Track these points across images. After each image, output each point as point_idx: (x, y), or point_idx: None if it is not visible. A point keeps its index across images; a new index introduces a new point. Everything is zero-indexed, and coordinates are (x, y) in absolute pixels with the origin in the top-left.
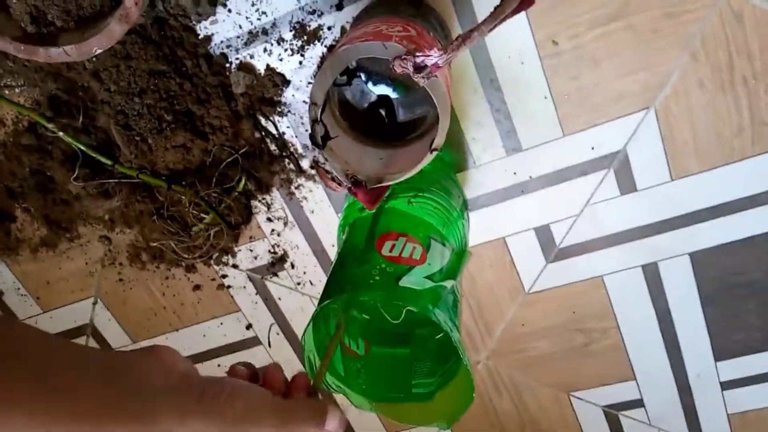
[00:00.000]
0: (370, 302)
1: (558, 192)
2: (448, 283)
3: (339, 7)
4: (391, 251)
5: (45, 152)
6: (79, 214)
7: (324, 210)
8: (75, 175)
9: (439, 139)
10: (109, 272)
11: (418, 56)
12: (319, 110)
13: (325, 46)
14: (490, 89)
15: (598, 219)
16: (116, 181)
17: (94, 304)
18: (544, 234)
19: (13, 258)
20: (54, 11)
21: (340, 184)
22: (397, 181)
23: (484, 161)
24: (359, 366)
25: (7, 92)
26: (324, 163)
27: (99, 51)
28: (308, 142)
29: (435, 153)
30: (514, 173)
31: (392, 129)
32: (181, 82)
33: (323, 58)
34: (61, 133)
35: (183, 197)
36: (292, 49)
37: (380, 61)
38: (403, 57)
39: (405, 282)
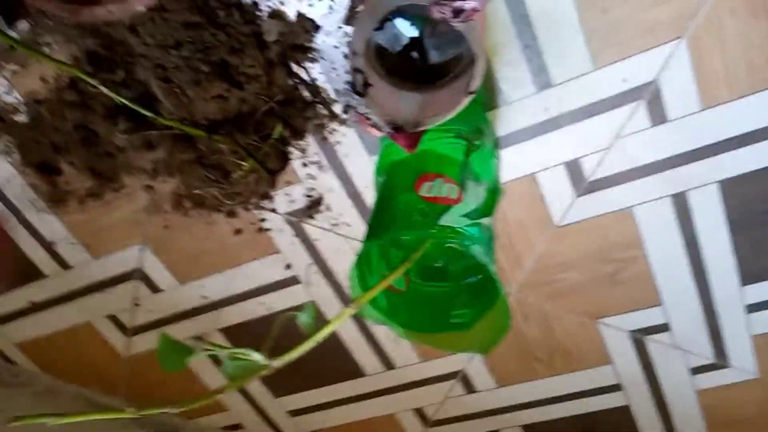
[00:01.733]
0: (410, 241)
1: (588, 126)
2: (485, 221)
3: None
4: (429, 191)
5: (87, 107)
6: (123, 165)
7: (357, 153)
8: (119, 127)
9: (476, 82)
10: (154, 219)
11: (456, 0)
12: (361, 59)
13: None
14: (520, 26)
15: (629, 151)
16: (158, 132)
17: (142, 250)
18: (574, 168)
19: (62, 209)
20: None
21: (380, 130)
22: (434, 124)
23: (514, 98)
24: (400, 301)
25: (46, 49)
26: (362, 110)
27: (142, 8)
28: (340, 87)
29: (472, 96)
30: (545, 109)
31: (425, 72)
32: (215, 32)
33: (354, 2)
34: (102, 88)
35: (222, 146)
36: None
37: (415, 5)
38: (441, 2)
39: (444, 221)
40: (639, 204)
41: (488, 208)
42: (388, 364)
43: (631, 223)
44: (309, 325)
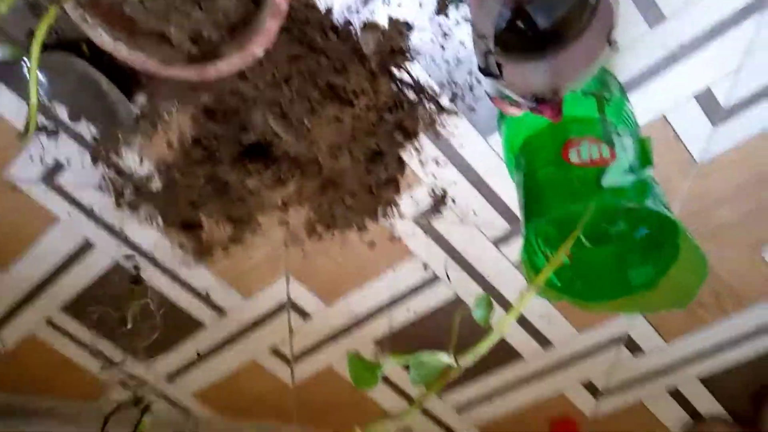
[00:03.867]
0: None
1: (712, 51)
2: (649, 170)
3: None
4: (579, 157)
5: (214, 159)
6: (256, 206)
7: (473, 140)
8: (248, 171)
9: (615, 31)
10: (293, 251)
11: None
12: (491, 41)
13: None
14: None
15: (761, 66)
16: (286, 166)
17: (287, 281)
18: (705, 98)
19: (209, 260)
20: (207, 27)
21: (519, 107)
22: (577, 85)
23: (627, 41)
24: (570, 274)
25: (166, 116)
26: (496, 92)
27: (261, 52)
28: (443, 80)
29: (614, 46)
30: (662, 44)
31: (538, 39)
32: (318, 58)
33: None
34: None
35: (345, 164)
36: None
37: None
38: None
39: (607, 182)
40: None
41: (645, 157)
42: (545, 342)
43: None
44: (485, 318)
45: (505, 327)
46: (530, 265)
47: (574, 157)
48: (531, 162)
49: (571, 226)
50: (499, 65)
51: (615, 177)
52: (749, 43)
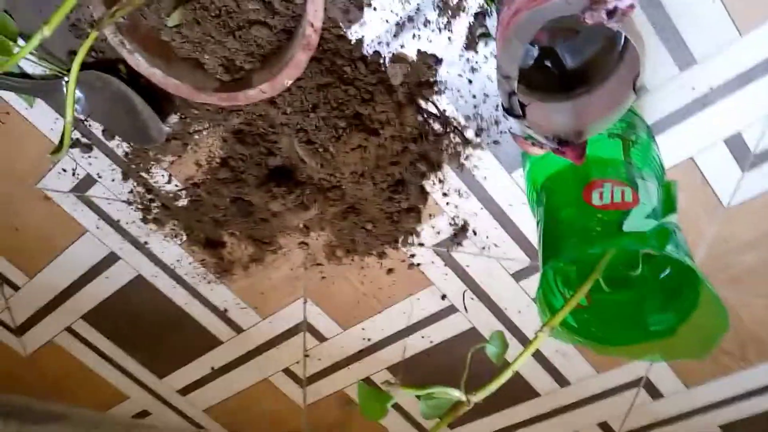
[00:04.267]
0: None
1: (744, 96)
2: (672, 217)
3: None
4: (601, 199)
5: (240, 181)
6: (278, 228)
7: (496, 173)
8: (273, 194)
9: (642, 77)
10: (311, 273)
11: (609, 1)
12: (515, 83)
13: (472, 15)
14: (649, 9)
15: None
16: (309, 191)
17: (305, 303)
18: (735, 143)
19: (229, 278)
20: (240, 56)
21: (542, 147)
22: (600, 129)
23: (656, 83)
24: (587, 316)
25: (196, 137)
26: (519, 132)
27: (290, 82)
28: (469, 113)
29: (641, 91)
30: (692, 88)
31: (565, 79)
32: (346, 88)
33: (472, 28)
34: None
35: (366, 191)
36: (439, 28)
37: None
38: (593, 6)
39: (629, 227)
40: None
41: (669, 203)
42: (562, 381)
43: None
44: (499, 355)
45: (516, 366)
46: (546, 304)
47: (596, 199)
48: (552, 200)
49: (591, 268)
50: (522, 106)
51: (637, 222)
52: None
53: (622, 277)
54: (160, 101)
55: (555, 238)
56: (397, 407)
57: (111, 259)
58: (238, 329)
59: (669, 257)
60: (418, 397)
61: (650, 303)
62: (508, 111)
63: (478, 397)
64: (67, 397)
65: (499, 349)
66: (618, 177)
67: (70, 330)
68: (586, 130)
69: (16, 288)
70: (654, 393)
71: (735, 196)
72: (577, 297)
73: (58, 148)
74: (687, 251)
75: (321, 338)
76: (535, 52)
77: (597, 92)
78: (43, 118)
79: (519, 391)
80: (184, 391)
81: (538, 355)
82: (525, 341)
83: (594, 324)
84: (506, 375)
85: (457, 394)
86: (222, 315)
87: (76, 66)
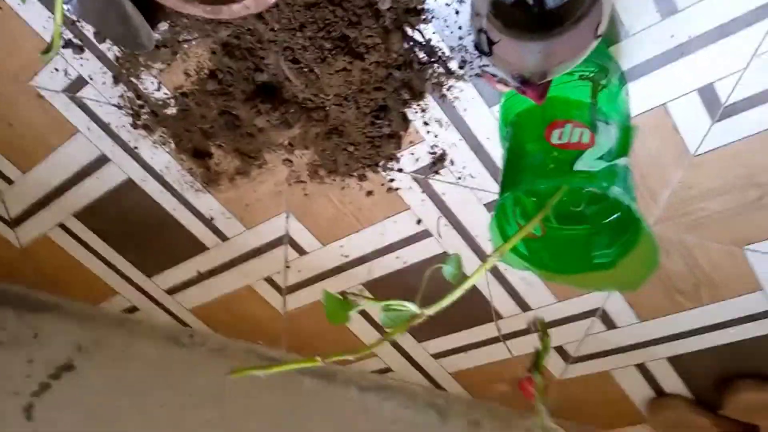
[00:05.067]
0: (544, 189)
1: (721, 48)
2: (621, 161)
3: None
4: (560, 138)
5: (228, 94)
6: (264, 143)
7: (477, 107)
8: (258, 109)
9: (604, 24)
10: (295, 189)
11: None
12: (484, 20)
13: None
14: None
15: (767, 69)
16: (294, 109)
17: (287, 217)
18: (708, 93)
19: (215, 188)
20: None
21: (507, 85)
22: (563, 72)
23: (637, 29)
24: (539, 246)
25: (185, 45)
26: (486, 67)
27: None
28: (454, 44)
29: (599, 39)
30: (672, 36)
31: (544, 18)
32: (333, 9)
33: None
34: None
35: (350, 114)
36: None
37: None
38: None
39: (579, 166)
40: None
41: (623, 147)
42: (524, 306)
43: None
44: (455, 275)
45: (467, 285)
46: (500, 231)
47: (555, 138)
48: (517, 136)
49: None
50: (491, 43)
51: (587, 162)
52: (759, 44)
53: (577, 213)
54: (152, 8)
55: (514, 171)
56: (368, 318)
57: (102, 160)
58: (223, 237)
59: (613, 197)
60: None
61: (599, 239)
62: (476, 47)
63: (431, 310)
64: (61, 289)
65: (455, 270)
66: (580, 119)
67: (62, 226)
68: (550, 71)
69: (9, 182)
70: (609, 324)
71: (702, 145)
72: (527, 228)
73: (47, 49)
74: (632, 195)
75: (302, 252)
76: None
77: (567, 35)
78: (36, 15)
79: (486, 312)
80: (171, 291)
81: (505, 282)
82: (493, 268)
83: (544, 253)
84: (457, 293)
85: (412, 307)
86: (208, 223)
87: None
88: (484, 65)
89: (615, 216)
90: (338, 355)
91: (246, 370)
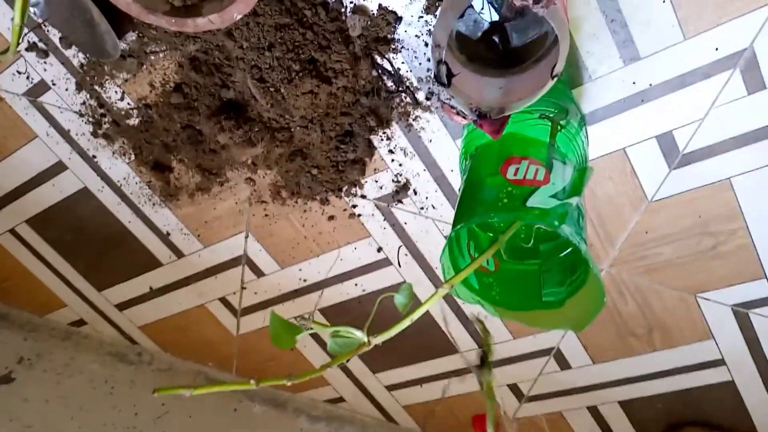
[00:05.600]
0: (499, 224)
1: (680, 97)
2: (573, 200)
3: None
4: (515, 174)
5: (192, 109)
6: (227, 160)
7: (441, 138)
8: (222, 126)
9: (560, 65)
10: (256, 209)
11: None
12: (443, 51)
13: None
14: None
15: (724, 121)
16: (258, 128)
17: (246, 237)
18: (666, 141)
19: (174, 203)
20: None
21: (465, 117)
22: (519, 109)
23: (600, 74)
24: (491, 280)
25: (152, 57)
26: (448, 99)
27: (239, 16)
28: (422, 75)
29: (556, 79)
30: (633, 82)
31: (507, 55)
32: (304, 32)
33: None
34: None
35: (315, 137)
36: None
37: None
38: None
39: (531, 202)
40: (738, 175)
41: (576, 187)
42: (480, 342)
43: (730, 194)
44: (405, 305)
45: (415, 316)
46: (453, 264)
47: (510, 173)
48: (475, 169)
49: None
50: (450, 75)
51: (540, 199)
52: (716, 96)
53: (530, 250)
54: (119, 17)
55: (469, 204)
56: (321, 343)
57: (59, 167)
58: (179, 254)
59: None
60: None
61: (550, 276)
62: (436, 78)
63: (378, 339)
64: (7, 297)
65: (405, 300)
66: (537, 156)
67: (13, 232)
68: (507, 108)
69: None
70: (563, 364)
71: (660, 191)
72: (479, 260)
73: (4, 51)
74: (582, 235)
75: (259, 273)
76: (486, 25)
77: (527, 73)
78: (0, 16)
79: (443, 345)
80: (122, 306)
81: (462, 316)
82: (451, 300)
83: (496, 289)
84: (405, 323)
85: (359, 334)
86: (164, 238)
87: None
88: (448, 97)
89: (566, 253)
90: (275, 380)
91: (172, 389)
